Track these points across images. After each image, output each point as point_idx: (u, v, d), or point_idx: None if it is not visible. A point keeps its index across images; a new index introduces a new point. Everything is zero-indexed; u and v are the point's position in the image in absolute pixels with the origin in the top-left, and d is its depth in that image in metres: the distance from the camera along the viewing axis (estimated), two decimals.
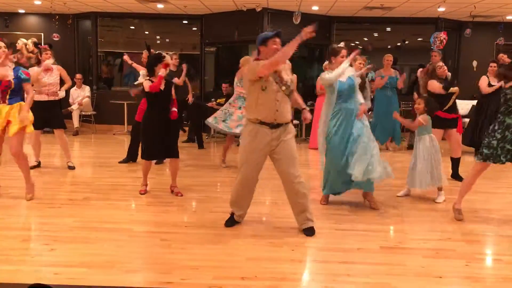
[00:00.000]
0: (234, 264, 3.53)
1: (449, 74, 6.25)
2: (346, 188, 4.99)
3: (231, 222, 4.35)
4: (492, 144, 4.37)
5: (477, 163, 4.53)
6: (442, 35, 8.74)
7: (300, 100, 4.28)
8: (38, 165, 6.66)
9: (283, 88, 3.95)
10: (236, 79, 6.88)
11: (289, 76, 4.03)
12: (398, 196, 5.43)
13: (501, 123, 4.37)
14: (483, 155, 4.43)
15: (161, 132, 5.21)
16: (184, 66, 8.13)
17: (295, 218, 4.24)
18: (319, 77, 8.72)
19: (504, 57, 8.74)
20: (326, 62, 8.53)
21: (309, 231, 4.15)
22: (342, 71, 4.79)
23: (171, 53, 8.29)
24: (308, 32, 3.69)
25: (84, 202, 5.08)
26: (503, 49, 10.36)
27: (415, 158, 5.21)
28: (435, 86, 5.90)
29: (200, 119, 8.97)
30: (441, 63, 6.08)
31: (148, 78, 5.23)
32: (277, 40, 3.96)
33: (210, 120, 6.72)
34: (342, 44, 5.04)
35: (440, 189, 5.29)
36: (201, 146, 8.74)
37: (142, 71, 6.71)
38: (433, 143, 5.19)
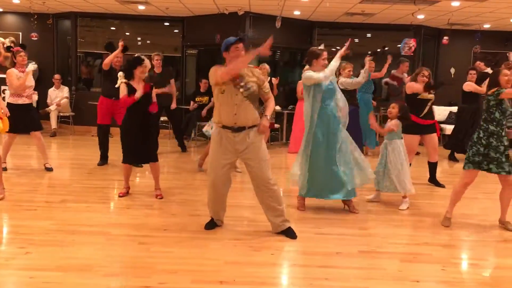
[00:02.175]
0: (213, 268, 3.51)
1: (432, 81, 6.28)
2: (332, 196, 4.95)
3: (210, 225, 4.35)
4: (480, 151, 4.46)
5: (465, 171, 4.57)
6: (412, 42, 8.86)
7: (269, 105, 4.16)
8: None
9: (241, 90, 3.93)
10: None
11: (253, 79, 4.00)
12: (368, 200, 5.47)
13: (485, 130, 4.45)
14: (474, 162, 4.48)
15: (139, 136, 5.16)
16: (172, 82, 8.10)
17: (270, 222, 4.24)
18: (300, 81, 8.82)
19: (481, 65, 8.93)
20: (306, 67, 8.61)
21: (290, 233, 4.17)
22: (334, 68, 4.82)
23: (153, 54, 8.23)
24: (266, 47, 3.77)
25: (61, 204, 5.00)
26: (479, 57, 10.57)
27: (384, 163, 5.23)
28: (414, 87, 5.98)
29: (181, 123, 8.92)
30: (425, 73, 5.99)
31: (126, 81, 5.16)
32: (239, 46, 3.94)
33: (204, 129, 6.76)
34: (322, 47, 5.07)
35: (404, 196, 5.28)
36: (184, 149, 8.65)
37: (120, 72, 6.62)
38: (402, 148, 5.21)
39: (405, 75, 8.80)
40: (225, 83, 3.93)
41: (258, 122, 4.04)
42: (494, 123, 4.42)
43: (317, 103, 4.82)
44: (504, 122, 4.43)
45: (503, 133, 4.44)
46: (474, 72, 7.97)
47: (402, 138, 5.26)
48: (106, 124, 7.09)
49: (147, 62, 5.18)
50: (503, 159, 4.41)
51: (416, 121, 5.89)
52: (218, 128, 4.08)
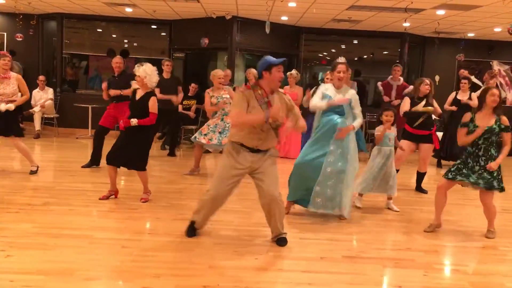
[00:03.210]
0: (196, 272, 3.50)
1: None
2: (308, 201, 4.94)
3: (192, 231, 4.25)
4: (460, 167, 4.56)
5: (441, 179, 4.68)
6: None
7: (300, 121, 4.10)
8: None
9: (270, 120, 3.83)
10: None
11: (282, 108, 3.95)
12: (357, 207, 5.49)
13: (466, 149, 4.59)
14: (449, 173, 4.58)
15: (124, 139, 5.15)
16: (180, 96, 8.23)
17: (270, 229, 4.22)
18: (286, 86, 8.85)
19: (465, 73, 9.07)
20: (291, 72, 8.63)
21: (282, 241, 4.16)
22: (318, 105, 4.87)
23: (163, 60, 8.36)
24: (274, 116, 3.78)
25: (44, 207, 4.94)
26: (464, 65, 10.73)
27: (382, 167, 5.32)
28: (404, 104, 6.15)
29: (177, 127, 8.84)
30: (427, 81, 6.11)
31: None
32: (282, 68, 3.89)
33: (201, 140, 6.64)
34: (342, 60, 5.02)
35: (390, 198, 5.48)
36: (172, 154, 8.58)
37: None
38: (392, 155, 5.37)
39: (401, 79, 8.85)
40: (253, 108, 3.86)
41: (275, 144, 4.06)
42: (470, 144, 4.54)
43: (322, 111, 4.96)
44: (480, 142, 4.47)
45: (480, 153, 4.48)
46: (466, 81, 8.10)
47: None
48: (105, 126, 6.94)
49: (138, 70, 5.15)
50: (477, 177, 4.48)
51: (409, 130, 6.10)
52: (234, 144, 3.98)
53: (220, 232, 4.42)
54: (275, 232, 4.18)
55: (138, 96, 5.18)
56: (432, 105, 6.02)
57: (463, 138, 4.58)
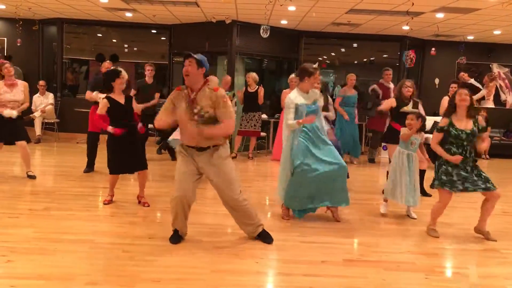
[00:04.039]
0: (198, 276, 3.50)
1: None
2: (314, 204, 4.95)
3: (177, 238, 4.20)
4: (448, 170, 4.49)
5: (440, 192, 4.58)
6: (411, 54, 9.01)
7: (219, 126, 3.85)
8: None
9: (195, 117, 3.84)
10: None
11: (208, 102, 3.83)
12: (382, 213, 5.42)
13: (449, 150, 4.50)
14: (440, 181, 4.51)
15: (125, 146, 5.14)
16: (157, 96, 8.02)
17: (243, 229, 4.25)
18: (285, 90, 8.88)
19: (464, 76, 9.09)
20: (292, 75, 8.65)
21: (264, 237, 4.19)
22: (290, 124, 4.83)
23: (146, 64, 8.27)
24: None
25: (44, 212, 4.95)
26: (464, 68, 10.75)
27: (399, 172, 5.22)
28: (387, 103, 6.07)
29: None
30: (409, 84, 6.10)
31: (105, 95, 5.18)
32: (187, 61, 3.84)
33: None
34: (316, 65, 5.06)
35: (386, 200, 5.40)
36: (173, 157, 8.59)
37: (95, 92, 6.65)
38: (413, 160, 5.27)
39: (391, 84, 8.90)
40: (179, 107, 3.90)
41: (221, 141, 4.00)
42: (454, 145, 4.50)
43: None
44: (465, 143, 4.46)
45: (467, 154, 4.47)
46: (456, 85, 8.10)
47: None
48: (97, 132, 6.99)
49: (124, 73, 5.20)
50: (475, 178, 4.46)
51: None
52: (182, 145, 4.03)
53: (221, 236, 4.42)
54: (248, 228, 4.22)
55: (121, 101, 5.17)
56: (417, 106, 6.06)
57: (437, 143, 4.56)
